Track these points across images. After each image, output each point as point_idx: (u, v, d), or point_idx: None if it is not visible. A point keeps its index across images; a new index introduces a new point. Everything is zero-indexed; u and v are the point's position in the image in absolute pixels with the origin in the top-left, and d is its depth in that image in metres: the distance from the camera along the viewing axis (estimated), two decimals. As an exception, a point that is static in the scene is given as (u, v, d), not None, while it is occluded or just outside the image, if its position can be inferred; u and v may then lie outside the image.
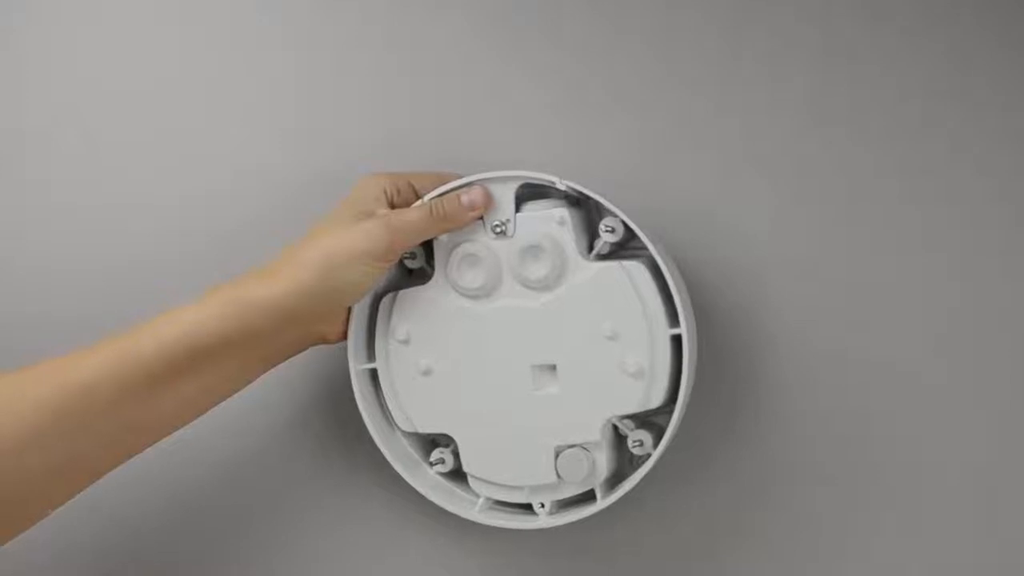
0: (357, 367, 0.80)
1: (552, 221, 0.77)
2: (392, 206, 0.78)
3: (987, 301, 0.82)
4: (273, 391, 0.85)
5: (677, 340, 0.76)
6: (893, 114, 0.82)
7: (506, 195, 0.78)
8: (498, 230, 0.78)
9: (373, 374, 0.81)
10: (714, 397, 0.83)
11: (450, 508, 0.81)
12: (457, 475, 0.82)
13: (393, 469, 0.81)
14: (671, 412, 0.77)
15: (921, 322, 0.82)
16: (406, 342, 0.80)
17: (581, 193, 0.77)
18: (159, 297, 0.86)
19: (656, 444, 0.78)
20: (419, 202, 0.79)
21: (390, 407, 0.81)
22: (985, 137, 0.81)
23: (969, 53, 0.81)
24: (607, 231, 0.77)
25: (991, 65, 0.81)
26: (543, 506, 0.80)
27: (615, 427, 0.79)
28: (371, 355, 0.81)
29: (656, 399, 0.77)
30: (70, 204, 0.88)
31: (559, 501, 0.80)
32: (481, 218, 0.78)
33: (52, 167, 0.88)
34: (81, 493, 0.73)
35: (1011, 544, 0.82)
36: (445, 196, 0.78)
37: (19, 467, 0.69)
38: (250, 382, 0.77)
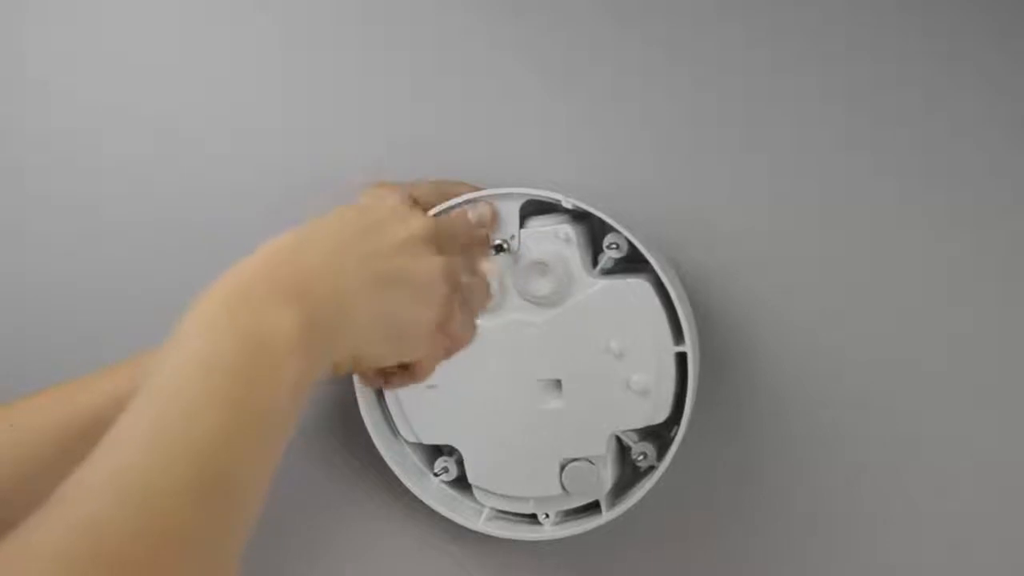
0: (361, 378, 0.80)
1: (558, 238, 0.77)
2: (392, 219, 0.77)
3: (990, 302, 0.82)
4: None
5: (681, 354, 0.77)
6: (893, 115, 0.81)
7: (511, 211, 0.77)
8: (503, 247, 0.77)
9: (377, 385, 0.81)
10: (716, 406, 0.83)
11: (454, 518, 0.81)
12: (460, 482, 0.83)
13: (397, 478, 0.81)
14: (673, 422, 0.78)
15: (923, 325, 0.82)
16: (410, 355, 0.80)
17: (587, 211, 0.77)
18: (157, 300, 0.86)
19: (659, 455, 0.79)
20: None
21: (395, 418, 0.81)
22: (988, 136, 0.81)
23: (970, 52, 0.81)
24: (612, 248, 0.77)
25: (991, 63, 0.81)
26: (548, 516, 0.81)
27: (618, 438, 0.80)
28: (375, 367, 0.81)
29: (661, 415, 0.77)
30: (69, 206, 0.87)
31: (563, 510, 0.81)
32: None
33: (52, 168, 0.87)
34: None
35: (1012, 544, 0.83)
36: (453, 212, 0.77)
37: (30, 494, 0.68)
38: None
